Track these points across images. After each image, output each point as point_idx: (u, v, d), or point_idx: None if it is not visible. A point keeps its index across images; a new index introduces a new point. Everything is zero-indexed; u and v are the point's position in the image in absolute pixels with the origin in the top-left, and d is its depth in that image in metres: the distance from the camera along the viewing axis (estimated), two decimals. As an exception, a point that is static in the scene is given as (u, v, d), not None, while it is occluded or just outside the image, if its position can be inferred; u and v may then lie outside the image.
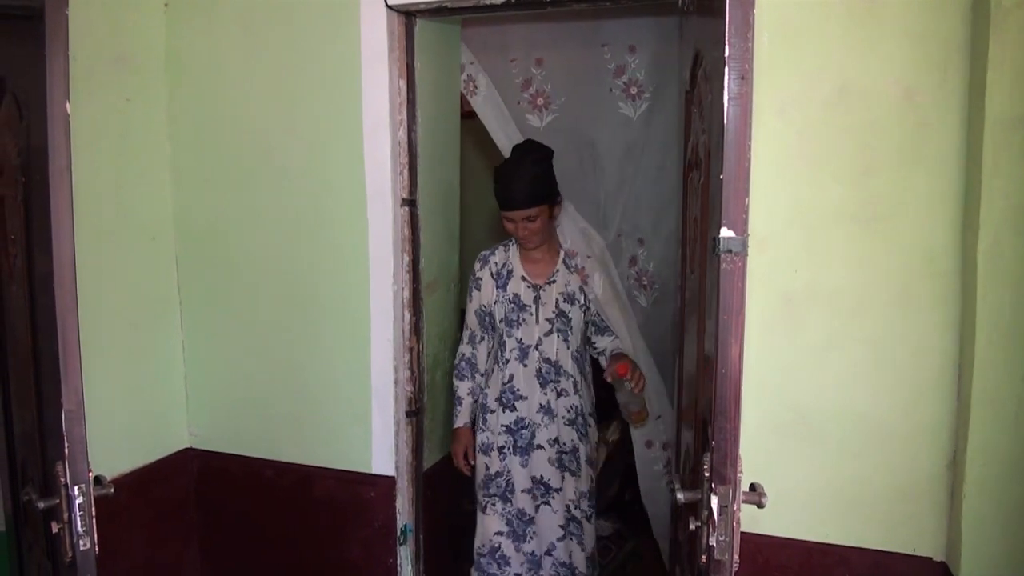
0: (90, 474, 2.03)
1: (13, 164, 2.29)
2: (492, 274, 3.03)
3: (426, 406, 3.03)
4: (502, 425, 3.00)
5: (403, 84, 2.79)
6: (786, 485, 2.34)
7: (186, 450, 3.17)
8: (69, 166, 1.91)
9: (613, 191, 3.40)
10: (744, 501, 1.71)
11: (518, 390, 2.98)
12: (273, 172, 2.89)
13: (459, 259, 3.30)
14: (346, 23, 2.72)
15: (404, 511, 2.93)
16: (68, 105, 1.89)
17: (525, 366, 2.97)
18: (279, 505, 3.04)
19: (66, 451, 1.98)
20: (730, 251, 1.64)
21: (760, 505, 1.73)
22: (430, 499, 3.05)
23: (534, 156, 2.83)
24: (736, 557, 1.69)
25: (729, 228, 1.63)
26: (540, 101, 3.35)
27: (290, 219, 2.89)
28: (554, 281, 2.98)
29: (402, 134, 2.79)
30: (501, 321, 2.99)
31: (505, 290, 2.99)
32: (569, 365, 2.97)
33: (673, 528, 2.64)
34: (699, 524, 1.79)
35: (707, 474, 1.72)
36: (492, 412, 3.02)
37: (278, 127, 2.86)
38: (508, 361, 2.99)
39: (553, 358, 2.96)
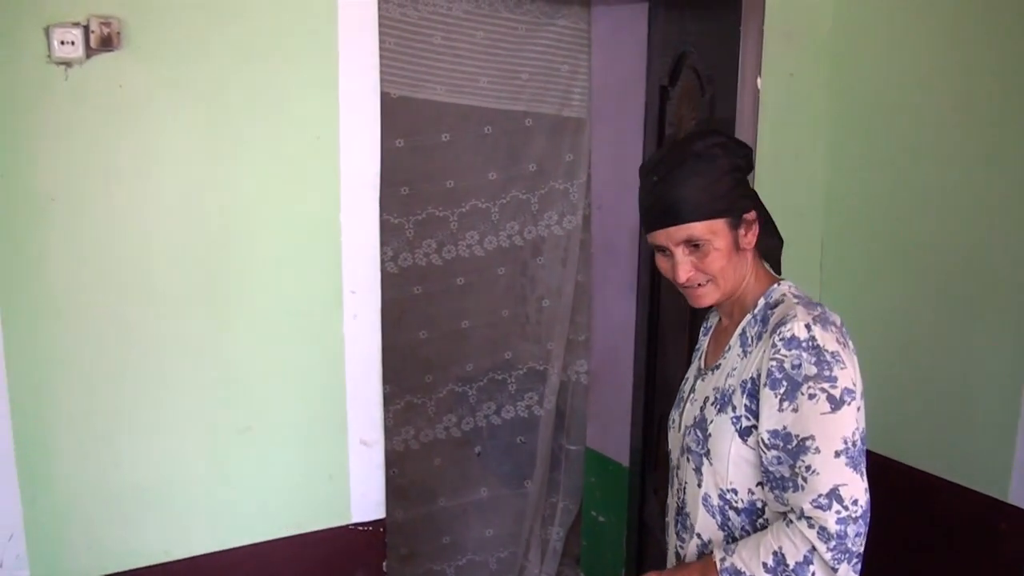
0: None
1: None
2: (701, 340, 1.89)
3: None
4: None
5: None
6: None
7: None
8: (754, 140, 1.94)
9: None
10: None
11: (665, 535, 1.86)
12: (936, 154, 2.66)
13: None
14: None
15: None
16: (759, 80, 1.92)
17: (672, 498, 1.80)
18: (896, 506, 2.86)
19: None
20: None
21: None
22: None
23: (710, 141, 1.60)
24: None
25: None
26: None
27: (950, 206, 2.64)
28: (719, 365, 1.67)
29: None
30: None
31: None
32: (700, 517, 1.64)
33: None
34: None
35: None
36: None
37: (949, 105, 2.62)
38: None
39: (683, 496, 1.70)
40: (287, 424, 2.20)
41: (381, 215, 2.25)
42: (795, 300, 1.57)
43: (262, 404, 2.17)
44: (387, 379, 2.38)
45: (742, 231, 1.59)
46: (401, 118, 3.03)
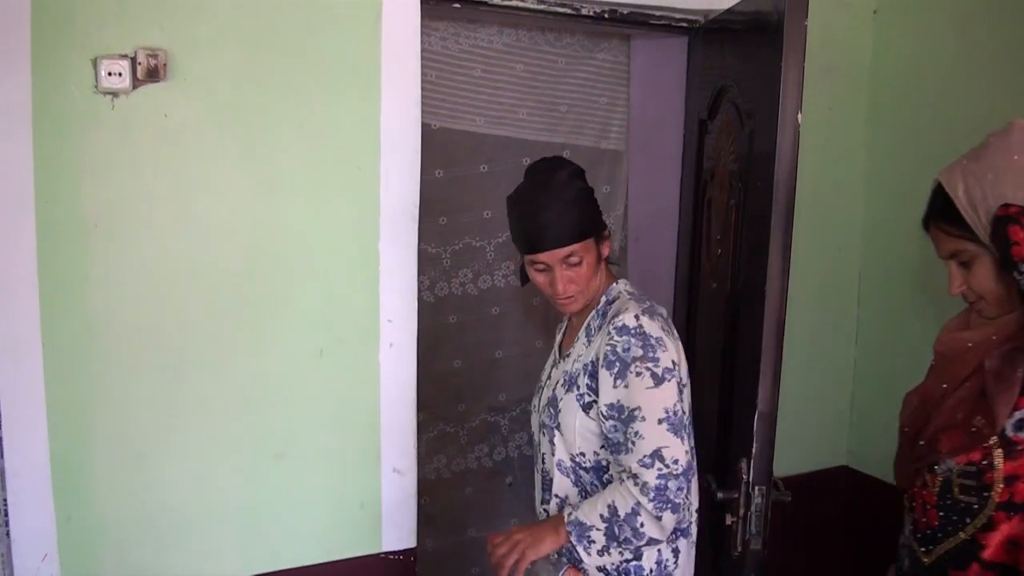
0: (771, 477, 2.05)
1: (727, 169, 2.42)
2: (557, 337, 2.16)
3: None
4: None
5: None
6: None
7: (842, 468, 3.09)
8: (794, 174, 1.93)
9: None
10: None
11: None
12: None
13: None
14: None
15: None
16: (800, 115, 1.91)
17: (536, 473, 2.05)
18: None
19: (753, 451, 2.03)
20: None
21: None
22: None
23: (569, 171, 1.87)
24: None
25: None
26: None
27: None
28: (569, 355, 1.95)
29: None
30: None
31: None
32: (556, 480, 1.91)
33: None
34: None
35: None
36: None
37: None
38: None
39: (543, 465, 1.97)
40: (321, 451, 2.21)
41: (419, 244, 2.26)
42: (628, 296, 1.86)
43: (296, 430, 2.18)
44: (420, 407, 2.38)
45: (604, 245, 1.90)
46: (440, 149, 3.05)
